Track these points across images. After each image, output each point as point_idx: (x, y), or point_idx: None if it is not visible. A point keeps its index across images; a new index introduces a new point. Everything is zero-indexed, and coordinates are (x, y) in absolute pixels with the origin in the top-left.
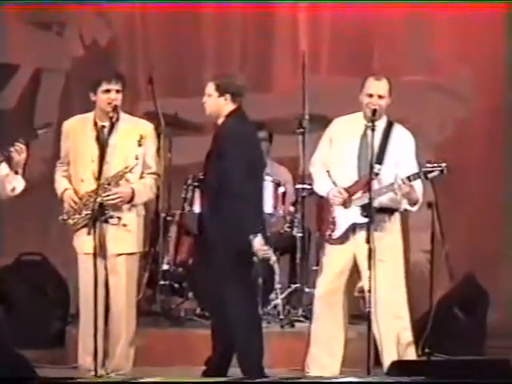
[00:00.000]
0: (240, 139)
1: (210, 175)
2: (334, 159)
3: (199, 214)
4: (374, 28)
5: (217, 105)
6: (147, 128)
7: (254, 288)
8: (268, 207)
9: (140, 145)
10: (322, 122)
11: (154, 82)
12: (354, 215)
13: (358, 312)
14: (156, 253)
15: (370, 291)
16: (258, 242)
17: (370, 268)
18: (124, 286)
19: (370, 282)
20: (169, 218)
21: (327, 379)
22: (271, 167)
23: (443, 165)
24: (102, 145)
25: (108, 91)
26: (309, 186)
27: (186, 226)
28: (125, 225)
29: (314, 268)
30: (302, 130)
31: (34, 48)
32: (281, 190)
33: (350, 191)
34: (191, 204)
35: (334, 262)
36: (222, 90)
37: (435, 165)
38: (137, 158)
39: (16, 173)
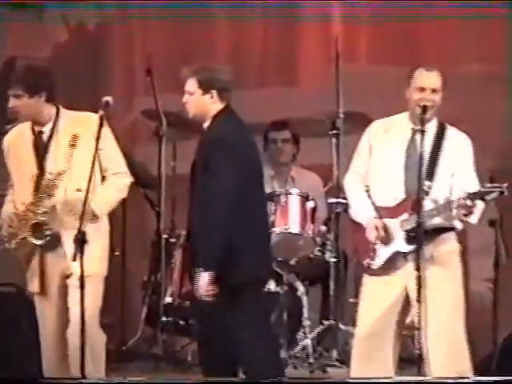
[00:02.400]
0: (231, 147)
1: (196, 191)
2: (374, 172)
3: (187, 234)
4: (424, 8)
5: (201, 104)
6: (87, 123)
7: (266, 317)
8: (294, 226)
9: (73, 145)
10: (359, 122)
11: (154, 74)
12: (397, 241)
13: (408, 355)
14: (157, 282)
15: (419, 329)
16: (201, 279)
17: (419, 300)
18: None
19: (420, 318)
20: (172, 240)
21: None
22: (298, 176)
23: (504, 185)
24: (40, 153)
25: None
26: (344, 201)
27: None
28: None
29: (352, 300)
30: (335, 131)
31: (7, 32)
32: (310, 204)
33: (394, 213)
34: None
35: (378, 294)
36: (206, 86)
37: (495, 185)
38: (69, 162)
39: None
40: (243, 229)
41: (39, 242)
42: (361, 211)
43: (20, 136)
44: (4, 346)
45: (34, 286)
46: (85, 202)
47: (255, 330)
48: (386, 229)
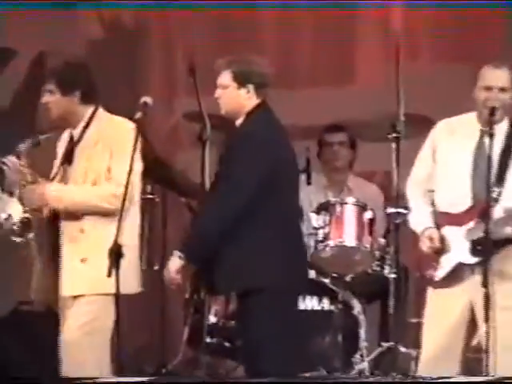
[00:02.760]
0: (262, 144)
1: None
2: (438, 177)
3: None
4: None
5: (236, 99)
6: (119, 130)
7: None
8: (349, 239)
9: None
10: (421, 125)
11: (197, 74)
12: (462, 252)
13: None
14: (200, 300)
15: (487, 352)
16: (172, 264)
17: (487, 320)
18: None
19: (488, 340)
20: None
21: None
22: (355, 186)
23: None
24: (65, 161)
25: None
26: (405, 211)
27: None
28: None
29: (414, 320)
30: (395, 134)
31: (38, 29)
32: (367, 215)
33: (459, 221)
34: None
35: (443, 310)
36: (242, 80)
37: None
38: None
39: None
40: (260, 232)
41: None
42: (417, 220)
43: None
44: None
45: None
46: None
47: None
48: (442, 240)
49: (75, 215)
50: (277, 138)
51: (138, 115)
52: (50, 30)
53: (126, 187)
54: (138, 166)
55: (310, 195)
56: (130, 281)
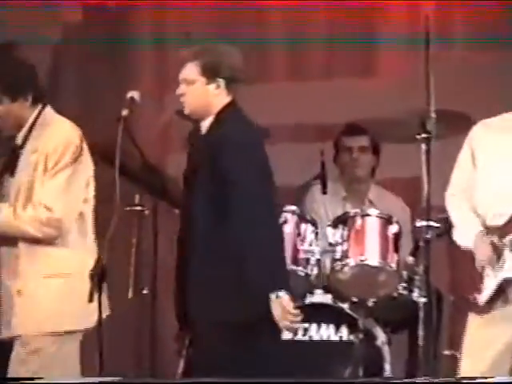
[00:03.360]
0: (253, 150)
1: (201, 205)
2: (479, 184)
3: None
4: None
5: (205, 97)
6: (58, 137)
7: None
8: (372, 257)
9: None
10: (456, 124)
11: None
12: (507, 266)
13: None
14: None
15: None
16: (284, 302)
17: None
18: None
19: None
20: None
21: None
22: (378, 199)
23: None
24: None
25: None
26: (436, 224)
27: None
28: None
29: (448, 353)
30: (425, 135)
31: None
32: (392, 229)
33: (503, 232)
34: None
35: (486, 342)
36: (211, 73)
37: None
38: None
39: None
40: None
41: None
42: (467, 232)
43: None
44: None
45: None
46: None
47: None
48: (496, 248)
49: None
50: (258, 142)
51: (124, 112)
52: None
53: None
54: (80, 185)
55: (325, 205)
56: (79, 314)
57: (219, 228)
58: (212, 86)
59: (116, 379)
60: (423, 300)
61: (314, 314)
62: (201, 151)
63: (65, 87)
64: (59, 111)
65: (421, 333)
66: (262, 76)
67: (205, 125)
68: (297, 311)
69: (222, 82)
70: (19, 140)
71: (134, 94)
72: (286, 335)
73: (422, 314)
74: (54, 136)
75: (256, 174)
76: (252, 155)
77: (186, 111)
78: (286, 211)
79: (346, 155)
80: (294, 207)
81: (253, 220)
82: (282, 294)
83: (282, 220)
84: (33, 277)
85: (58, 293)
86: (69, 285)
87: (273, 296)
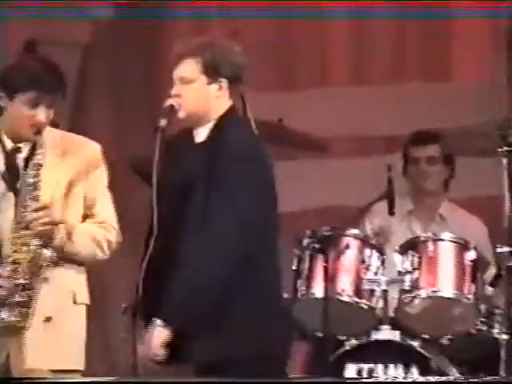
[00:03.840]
0: (260, 163)
1: (192, 215)
2: None
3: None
4: None
5: (204, 99)
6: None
7: None
8: (446, 287)
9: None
10: None
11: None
12: None
13: None
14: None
15: None
16: (156, 335)
17: None
18: None
19: None
20: None
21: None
22: (451, 216)
23: None
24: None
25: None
26: None
27: (303, 323)
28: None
29: None
30: (507, 148)
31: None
32: (469, 256)
33: None
34: (309, 282)
35: None
36: (213, 72)
37: None
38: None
39: None
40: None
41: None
42: None
43: None
44: None
45: None
46: None
47: None
48: None
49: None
50: (265, 153)
51: (163, 123)
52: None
53: None
54: None
55: (392, 228)
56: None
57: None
58: (214, 87)
59: (116, 379)
60: (505, 337)
61: (380, 352)
62: (197, 161)
63: (95, 91)
64: (88, 119)
65: (502, 374)
66: (318, 80)
67: (201, 132)
68: (161, 352)
69: (224, 82)
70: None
71: (173, 101)
72: (350, 374)
73: (503, 353)
74: (88, 150)
75: (259, 192)
76: (256, 169)
77: (181, 115)
78: (347, 235)
79: (413, 167)
80: (356, 230)
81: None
82: (159, 323)
83: (343, 245)
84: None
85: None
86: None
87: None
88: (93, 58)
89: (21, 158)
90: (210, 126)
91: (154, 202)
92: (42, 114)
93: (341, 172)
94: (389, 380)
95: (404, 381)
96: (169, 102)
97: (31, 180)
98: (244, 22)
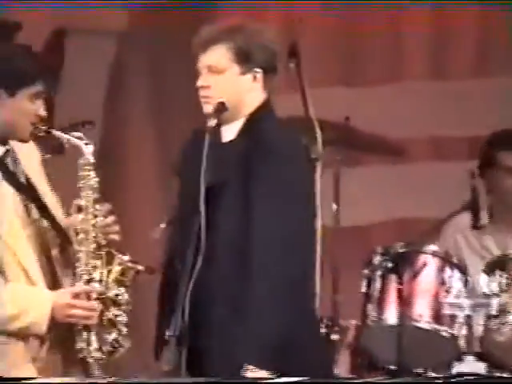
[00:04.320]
0: (306, 163)
1: (221, 236)
2: None
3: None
4: None
5: (236, 91)
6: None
7: None
8: None
9: None
10: None
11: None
12: None
13: None
14: None
15: None
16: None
17: None
18: None
19: None
20: (334, 337)
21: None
22: None
23: None
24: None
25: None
26: None
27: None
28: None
29: None
30: None
31: None
32: None
33: None
34: (381, 306)
35: None
36: (247, 60)
37: None
38: None
39: None
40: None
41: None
42: None
43: None
44: None
45: None
46: None
47: None
48: None
49: None
50: (309, 159)
51: (212, 122)
52: None
53: None
54: None
55: (476, 244)
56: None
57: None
58: (247, 78)
59: (115, 379)
60: None
61: None
62: (227, 163)
63: (132, 82)
64: (125, 114)
65: None
66: (390, 74)
67: (230, 130)
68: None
69: (259, 72)
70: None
71: (223, 98)
72: None
73: None
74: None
75: (297, 196)
76: (296, 172)
77: (206, 109)
78: (424, 252)
79: (499, 174)
80: (434, 247)
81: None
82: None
83: (420, 264)
84: None
85: None
86: None
87: None
88: (130, 48)
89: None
90: (240, 122)
91: (203, 223)
92: (41, 109)
93: (416, 179)
94: (389, 381)
95: (404, 381)
96: (214, 99)
97: (91, 182)
98: (306, 8)
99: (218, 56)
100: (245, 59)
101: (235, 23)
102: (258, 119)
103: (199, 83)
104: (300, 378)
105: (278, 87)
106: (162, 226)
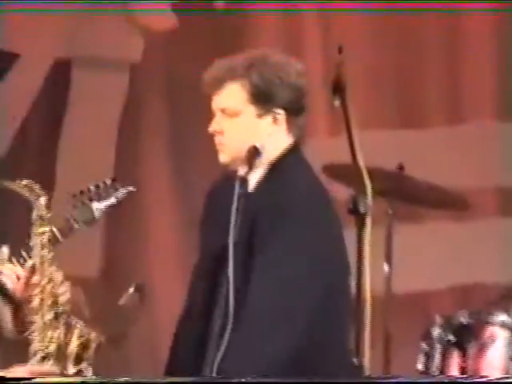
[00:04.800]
0: (329, 221)
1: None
2: None
3: None
4: None
5: (254, 137)
6: None
7: None
8: None
9: None
10: None
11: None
12: None
13: None
14: None
15: None
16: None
17: None
18: None
19: None
20: None
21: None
22: None
23: None
24: None
25: None
26: None
27: None
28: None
29: None
30: None
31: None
32: None
33: None
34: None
35: None
36: (265, 100)
37: None
38: None
39: None
40: None
41: None
42: None
43: None
44: None
45: None
46: None
47: None
48: None
49: None
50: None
51: (242, 171)
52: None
53: None
54: None
55: None
56: None
57: None
58: (267, 120)
59: (114, 379)
60: None
61: None
62: (251, 216)
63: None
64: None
65: None
66: (451, 114)
67: (253, 178)
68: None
69: (281, 113)
70: None
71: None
72: None
73: None
74: None
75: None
76: (311, 236)
77: (224, 158)
78: (492, 323)
79: None
80: (504, 317)
81: None
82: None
83: (487, 337)
84: None
85: None
86: None
87: None
88: (145, 80)
89: None
90: (260, 171)
91: (231, 275)
92: None
93: (481, 238)
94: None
95: (411, 381)
96: (228, 146)
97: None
98: (350, 35)
99: (230, 96)
100: (263, 99)
101: (251, 55)
102: (280, 169)
103: (211, 128)
104: (300, 379)
105: (316, 130)
106: (131, 290)
